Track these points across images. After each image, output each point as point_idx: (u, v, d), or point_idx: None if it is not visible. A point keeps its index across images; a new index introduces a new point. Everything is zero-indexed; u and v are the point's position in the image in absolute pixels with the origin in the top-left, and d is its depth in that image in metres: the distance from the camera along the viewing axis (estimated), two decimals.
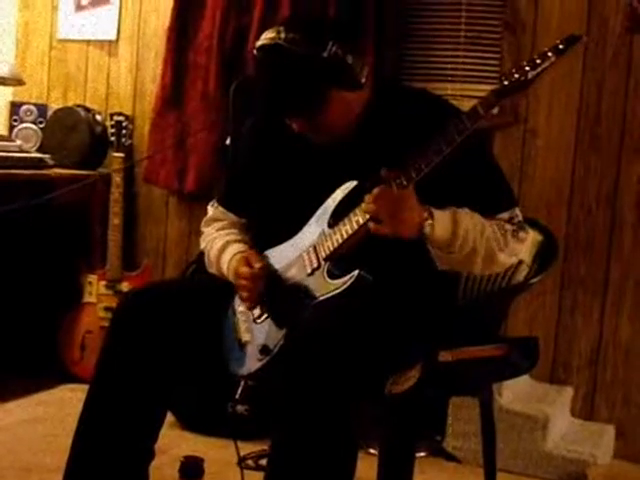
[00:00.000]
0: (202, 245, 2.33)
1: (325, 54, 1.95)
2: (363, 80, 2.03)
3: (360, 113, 2.09)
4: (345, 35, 2.01)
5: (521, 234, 2.08)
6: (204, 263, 2.33)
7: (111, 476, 2.09)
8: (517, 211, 2.10)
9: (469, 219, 2.00)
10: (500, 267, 2.12)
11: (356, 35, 2.08)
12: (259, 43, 2.02)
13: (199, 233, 2.38)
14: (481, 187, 2.07)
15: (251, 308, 2.12)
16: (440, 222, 1.95)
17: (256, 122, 2.29)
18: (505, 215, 2.07)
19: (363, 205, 1.95)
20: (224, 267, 2.20)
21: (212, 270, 2.27)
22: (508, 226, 2.06)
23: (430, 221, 1.94)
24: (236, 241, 2.24)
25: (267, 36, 2.00)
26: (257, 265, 2.09)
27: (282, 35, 1.97)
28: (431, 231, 1.94)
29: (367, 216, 1.94)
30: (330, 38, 1.96)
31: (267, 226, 2.23)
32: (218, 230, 2.30)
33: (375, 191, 1.92)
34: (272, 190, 2.21)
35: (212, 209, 2.35)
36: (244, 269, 2.10)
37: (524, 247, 2.14)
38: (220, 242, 2.25)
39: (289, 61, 1.96)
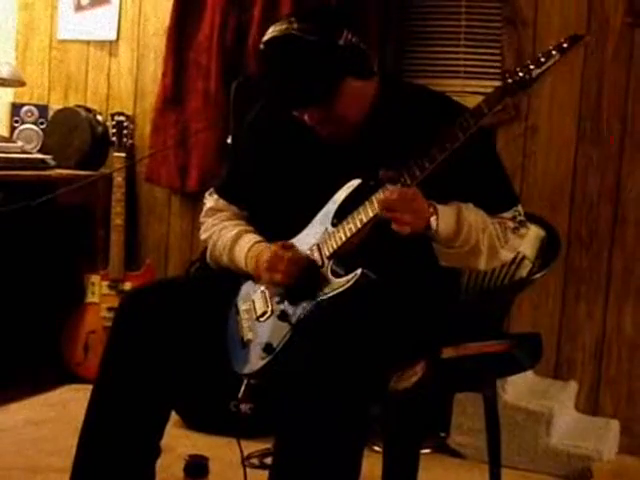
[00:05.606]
0: (204, 235, 2.28)
1: (341, 42, 1.94)
2: (375, 69, 2.03)
3: (368, 106, 2.08)
4: (356, 23, 2.00)
5: (522, 230, 2.11)
6: (206, 260, 2.28)
7: (119, 473, 2.08)
8: (519, 208, 2.12)
9: (473, 215, 2.01)
10: (501, 262, 2.16)
11: (363, 24, 2.08)
12: (269, 36, 1.99)
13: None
14: (484, 187, 2.09)
15: (286, 286, 2.04)
16: (444, 218, 1.96)
17: (258, 116, 2.27)
18: (508, 214, 2.10)
19: (375, 205, 1.94)
20: (239, 256, 2.15)
21: (221, 259, 2.21)
22: (510, 223, 2.08)
23: (435, 217, 1.94)
24: (248, 231, 2.20)
25: (277, 28, 1.97)
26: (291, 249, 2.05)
27: (295, 25, 1.94)
28: (435, 227, 1.94)
29: (371, 214, 1.94)
30: (344, 26, 1.95)
31: (270, 222, 2.20)
32: (224, 220, 2.25)
33: (388, 191, 1.91)
34: (275, 185, 2.19)
35: (212, 200, 2.30)
36: (282, 250, 2.04)
37: (524, 242, 2.16)
38: (231, 232, 2.20)
39: (305, 50, 1.93)
